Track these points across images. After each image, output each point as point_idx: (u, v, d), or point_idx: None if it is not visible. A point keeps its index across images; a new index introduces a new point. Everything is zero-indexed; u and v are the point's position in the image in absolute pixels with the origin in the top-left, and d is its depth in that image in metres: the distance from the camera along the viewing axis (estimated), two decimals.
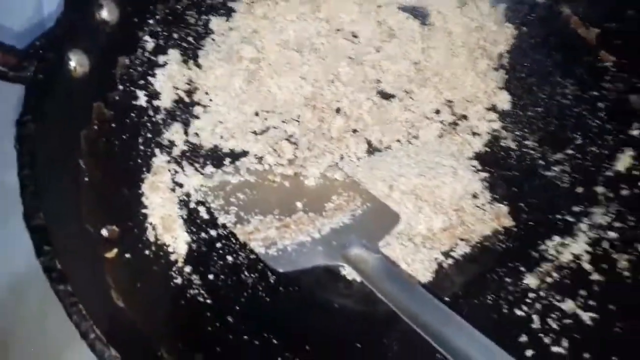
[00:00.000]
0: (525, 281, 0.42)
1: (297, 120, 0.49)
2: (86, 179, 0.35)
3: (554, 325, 0.39)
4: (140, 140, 0.42)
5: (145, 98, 0.43)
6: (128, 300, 0.32)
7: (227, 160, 0.45)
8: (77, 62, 0.36)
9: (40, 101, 0.32)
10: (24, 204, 0.29)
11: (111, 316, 0.30)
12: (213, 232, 0.42)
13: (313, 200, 0.44)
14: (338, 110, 0.48)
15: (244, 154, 0.46)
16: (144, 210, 0.40)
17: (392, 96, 0.50)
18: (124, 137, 0.40)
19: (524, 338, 0.39)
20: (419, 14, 0.54)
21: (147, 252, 0.38)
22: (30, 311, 0.49)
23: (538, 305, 0.41)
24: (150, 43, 0.44)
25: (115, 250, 0.34)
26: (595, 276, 0.41)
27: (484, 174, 0.47)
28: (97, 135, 0.38)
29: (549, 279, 0.42)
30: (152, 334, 0.33)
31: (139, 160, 0.41)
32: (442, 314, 0.36)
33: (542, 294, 0.41)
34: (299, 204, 0.43)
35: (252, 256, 0.42)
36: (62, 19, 0.36)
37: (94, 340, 0.27)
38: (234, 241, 0.42)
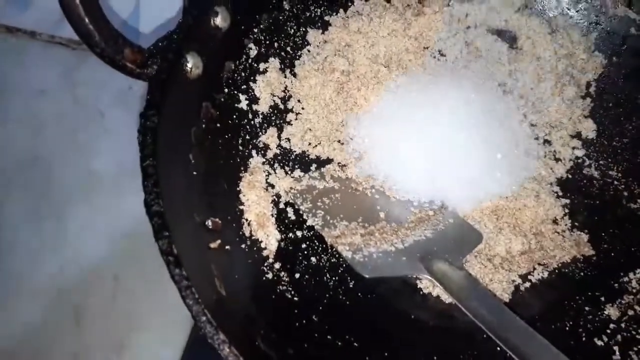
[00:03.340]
0: (605, 312, 0.42)
1: None
2: (194, 172, 0.38)
3: (636, 359, 0.39)
4: (239, 141, 0.44)
5: (246, 102, 0.46)
6: (229, 289, 0.34)
7: (313, 166, 0.47)
8: (193, 64, 0.38)
9: (162, 97, 0.35)
10: (146, 191, 0.32)
11: (216, 302, 0.32)
12: (299, 233, 0.44)
13: (395, 211, 0.45)
14: None
15: (329, 161, 0.48)
16: (240, 207, 0.42)
17: None
18: (226, 136, 0.43)
19: None
20: (508, 38, 0.54)
21: (243, 245, 0.40)
22: (104, 286, 0.52)
23: (619, 337, 0.40)
24: (253, 50, 0.46)
25: (218, 242, 0.36)
26: None
27: (565, 201, 0.47)
28: (205, 133, 0.40)
29: (630, 312, 0.41)
30: (250, 324, 0.34)
31: (238, 160, 0.44)
32: (525, 331, 0.36)
33: (623, 326, 0.41)
34: (381, 214, 0.44)
35: (333, 260, 0.43)
36: (182, 23, 0.38)
37: (205, 323, 0.28)
38: (317, 243, 0.44)
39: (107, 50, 0.34)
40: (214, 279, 0.33)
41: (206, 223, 0.37)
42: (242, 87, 0.45)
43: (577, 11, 0.54)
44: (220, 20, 0.41)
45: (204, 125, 0.40)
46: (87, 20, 0.32)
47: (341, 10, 0.52)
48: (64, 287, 0.53)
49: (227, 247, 0.37)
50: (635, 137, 0.50)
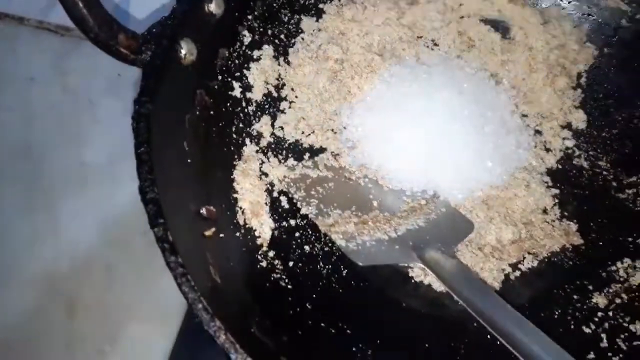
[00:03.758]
0: (593, 300, 0.42)
1: None
2: (189, 160, 0.37)
3: (623, 346, 0.39)
4: (233, 129, 0.44)
5: (240, 90, 0.45)
6: (224, 277, 0.34)
7: (306, 155, 0.47)
8: (187, 51, 0.38)
9: (157, 84, 0.35)
10: (140, 178, 0.31)
11: (212, 289, 0.32)
12: (292, 222, 0.44)
13: (388, 200, 0.45)
14: None
15: (322, 150, 0.48)
16: (235, 195, 0.42)
17: None
18: (220, 124, 0.43)
19: (591, 356, 0.39)
20: (501, 28, 0.54)
21: (237, 234, 0.40)
22: (97, 278, 0.52)
23: (606, 325, 0.41)
24: (247, 37, 0.46)
25: (213, 229, 0.36)
26: None
27: (555, 190, 0.47)
28: (199, 121, 0.40)
29: (618, 300, 0.42)
30: (245, 311, 0.35)
31: (232, 148, 0.44)
32: (516, 318, 0.36)
33: (610, 314, 0.41)
34: (375, 203, 0.45)
35: (327, 248, 0.44)
36: (176, 9, 0.38)
37: (201, 311, 0.28)
38: (310, 232, 0.44)
39: (101, 35, 0.33)
40: (209, 267, 0.33)
41: (200, 211, 0.37)
42: (236, 74, 0.45)
43: (569, 2, 0.55)
44: (214, 7, 0.41)
45: (198, 113, 0.40)
46: (81, 4, 0.32)
47: None
48: (57, 277, 0.53)
49: (222, 235, 0.37)
50: (624, 128, 0.50)
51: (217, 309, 0.29)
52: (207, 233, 0.36)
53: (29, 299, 0.52)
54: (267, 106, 0.47)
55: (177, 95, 0.38)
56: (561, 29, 0.53)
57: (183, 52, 0.38)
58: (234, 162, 0.43)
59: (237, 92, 0.45)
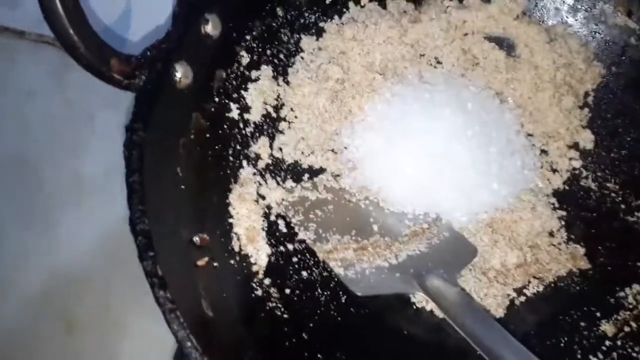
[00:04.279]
0: (601, 328, 0.41)
1: None
2: (182, 186, 0.37)
3: None
4: (230, 151, 0.43)
5: (238, 111, 0.45)
6: (216, 309, 0.33)
7: (305, 176, 0.46)
8: (182, 74, 0.37)
9: (150, 109, 0.34)
10: (131, 208, 0.31)
11: (203, 325, 0.31)
12: (290, 246, 0.43)
13: (389, 224, 0.44)
14: None
15: (322, 171, 0.47)
16: (230, 220, 0.41)
17: None
18: (216, 147, 0.42)
19: None
20: (505, 45, 0.53)
21: (232, 261, 0.39)
22: (96, 293, 0.52)
23: (615, 355, 0.39)
24: (245, 58, 0.45)
25: (206, 259, 0.36)
26: None
27: (562, 212, 0.46)
28: (194, 145, 0.39)
29: (626, 328, 0.41)
30: (237, 345, 0.34)
31: (228, 171, 0.43)
32: (519, 351, 0.35)
33: (619, 343, 0.40)
34: (375, 227, 0.44)
35: (325, 273, 0.43)
36: (171, 31, 0.37)
37: (190, 349, 0.27)
38: (308, 257, 0.43)
39: (93, 61, 0.33)
40: (200, 300, 0.32)
41: (193, 239, 0.36)
42: (234, 95, 0.44)
43: (576, 20, 0.54)
44: (210, 28, 0.40)
45: (193, 137, 0.39)
46: (71, 30, 0.31)
47: (336, 17, 0.51)
48: (54, 293, 0.52)
49: (215, 264, 0.37)
50: (633, 149, 0.49)
51: (207, 346, 0.28)
52: (200, 263, 0.35)
53: (25, 316, 0.52)
54: (265, 127, 0.46)
55: (171, 119, 0.37)
56: (568, 47, 0.52)
57: (178, 75, 0.37)
58: (230, 186, 0.43)
59: (234, 113, 0.44)
